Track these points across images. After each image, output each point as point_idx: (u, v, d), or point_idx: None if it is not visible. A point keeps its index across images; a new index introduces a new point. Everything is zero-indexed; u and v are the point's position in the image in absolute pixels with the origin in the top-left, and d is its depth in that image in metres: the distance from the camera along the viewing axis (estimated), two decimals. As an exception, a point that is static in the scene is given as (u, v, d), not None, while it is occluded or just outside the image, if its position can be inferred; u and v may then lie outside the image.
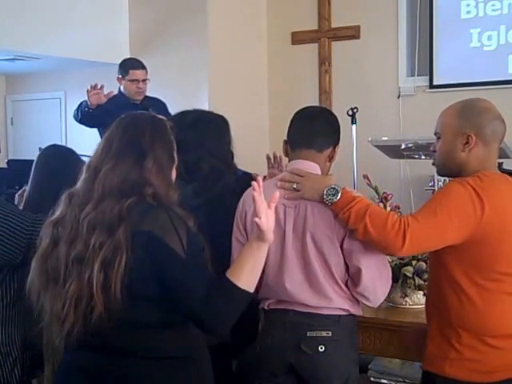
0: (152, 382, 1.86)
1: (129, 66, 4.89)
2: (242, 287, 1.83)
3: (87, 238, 1.80)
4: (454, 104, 2.24)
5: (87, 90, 4.73)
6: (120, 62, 5.01)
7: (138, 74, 4.85)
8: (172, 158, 1.94)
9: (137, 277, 1.78)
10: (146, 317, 1.84)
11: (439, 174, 2.32)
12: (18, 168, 2.70)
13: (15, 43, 5.67)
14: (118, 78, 4.91)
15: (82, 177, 1.90)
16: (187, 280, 1.80)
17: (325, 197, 2.16)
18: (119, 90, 4.95)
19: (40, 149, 2.93)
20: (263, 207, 1.80)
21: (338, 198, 2.14)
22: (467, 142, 2.15)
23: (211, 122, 2.70)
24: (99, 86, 4.75)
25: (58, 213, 1.89)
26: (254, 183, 1.82)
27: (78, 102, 4.97)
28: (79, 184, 1.90)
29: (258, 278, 1.90)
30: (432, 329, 2.22)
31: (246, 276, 1.84)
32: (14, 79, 7.50)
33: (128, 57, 5.08)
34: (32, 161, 2.89)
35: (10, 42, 5.62)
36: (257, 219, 1.80)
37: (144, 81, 4.88)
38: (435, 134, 2.25)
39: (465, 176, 2.15)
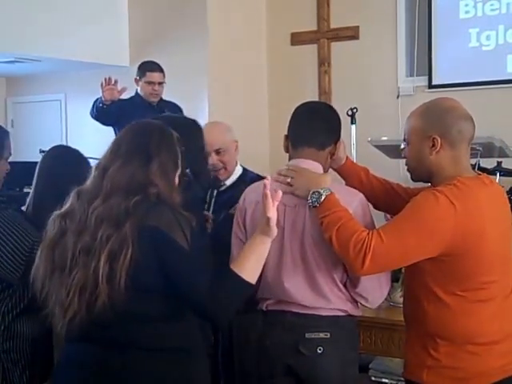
0: (152, 373, 1.92)
1: (146, 68, 5.01)
2: (246, 279, 1.93)
3: (95, 231, 1.88)
4: (418, 106, 2.17)
5: (101, 84, 4.75)
6: (139, 64, 5.15)
7: (154, 76, 4.97)
8: (176, 164, 2.04)
9: (142, 269, 1.85)
10: (148, 309, 1.91)
11: (413, 180, 2.21)
12: (19, 170, 2.70)
13: (16, 46, 5.68)
14: (135, 80, 5.02)
15: (91, 175, 2.00)
16: (191, 271, 1.89)
17: (308, 199, 2.15)
18: (136, 92, 5.05)
19: (41, 151, 2.93)
20: (272, 204, 1.93)
21: (320, 203, 2.13)
22: (433, 145, 2.07)
23: (178, 129, 2.57)
24: (113, 81, 4.78)
25: (66, 206, 1.99)
26: (265, 181, 1.95)
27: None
28: (88, 181, 2.00)
29: (259, 271, 2.00)
30: (410, 337, 2.21)
31: (249, 268, 1.95)
32: (14, 81, 7.50)
33: (146, 60, 5.19)
34: (32, 163, 2.89)
35: (11, 44, 5.62)
36: (269, 215, 1.92)
37: (160, 83, 5.00)
38: (404, 139, 2.19)
39: (439, 180, 2.09)
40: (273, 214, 1.94)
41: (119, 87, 4.82)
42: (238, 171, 3.18)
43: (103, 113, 4.79)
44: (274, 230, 1.96)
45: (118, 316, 1.87)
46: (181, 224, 1.90)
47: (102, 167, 1.98)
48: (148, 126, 2.08)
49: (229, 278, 1.93)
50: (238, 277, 1.92)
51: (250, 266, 1.95)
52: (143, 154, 1.96)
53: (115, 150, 2.00)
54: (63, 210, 1.99)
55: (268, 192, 1.93)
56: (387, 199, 2.44)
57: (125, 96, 4.98)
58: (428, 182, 2.17)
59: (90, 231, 1.89)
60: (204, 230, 2.58)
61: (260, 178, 2.99)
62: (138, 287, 1.86)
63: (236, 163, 3.19)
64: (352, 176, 2.47)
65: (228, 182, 3.12)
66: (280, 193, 1.96)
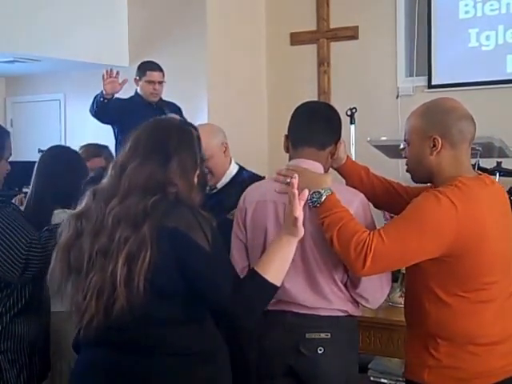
0: (174, 378, 1.86)
1: (146, 67, 5.03)
2: (270, 280, 1.88)
3: (112, 232, 1.82)
4: (419, 107, 2.17)
5: (102, 76, 4.73)
6: (138, 64, 5.16)
7: (154, 75, 4.99)
8: (195, 163, 1.97)
9: (161, 272, 1.80)
10: (167, 312, 1.86)
11: (414, 181, 2.21)
12: (18, 169, 2.69)
13: (15, 45, 5.68)
14: (134, 80, 5.03)
15: (109, 173, 1.93)
16: (214, 273, 1.84)
17: (309, 199, 2.13)
18: (136, 92, 5.06)
19: (39, 150, 2.92)
20: (299, 204, 1.89)
21: (320, 203, 2.12)
22: (434, 145, 2.07)
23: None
24: (115, 73, 4.76)
25: (81, 206, 1.92)
26: (292, 180, 1.92)
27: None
28: (105, 180, 1.94)
29: (284, 273, 1.95)
30: (411, 337, 2.21)
31: (274, 270, 1.90)
32: (13, 81, 7.50)
33: (146, 60, 5.20)
34: (31, 162, 2.89)
35: (10, 44, 5.63)
36: (296, 214, 1.88)
37: (160, 83, 5.02)
38: (404, 140, 2.18)
39: (440, 180, 2.09)
40: (300, 213, 1.89)
41: (120, 80, 4.79)
42: (232, 172, 3.08)
43: (103, 108, 4.75)
44: (302, 231, 1.92)
45: (136, 320, 1.81)
46: (201, 224, 1.84)
47: (120, 165, 1.91)
48: (167, 123, 2.02)
49: (253, 279, 1.88)
50: (263, 278, 1.87)
51: (274, 268, 1.90)
52: (162, 152, 1.89)
53: (134, 147, 1.92)
54: (78, 210, 1.92)
55: (296, 191, 1.89)
56: (388, 198, 2.43)
57: (124, 96, 4.98)
58: (429, 182, 2.17)
59: (107, 232, 1.83)
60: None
61: (256, 176, 2.98)
62: (158, 290, 1.81)
63: (230, 162, 3.09)
64: (352, 175, 2.46)
65: (219, 185, 3.04)
66: (306, 192, 1.93)
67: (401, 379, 3.76)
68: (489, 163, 4.18)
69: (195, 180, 1.97)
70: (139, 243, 1.78)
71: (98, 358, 1.90)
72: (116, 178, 1.90)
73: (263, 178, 2.86)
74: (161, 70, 5.04)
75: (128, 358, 1.85)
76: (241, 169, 3.12)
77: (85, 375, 1.93)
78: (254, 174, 3.09)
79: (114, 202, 1.85)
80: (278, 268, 1.91)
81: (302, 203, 1.91)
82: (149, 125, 1.98)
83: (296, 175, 1.96)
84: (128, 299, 1.77)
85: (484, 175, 2.16)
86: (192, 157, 1.96)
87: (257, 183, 2.44)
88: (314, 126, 2.32)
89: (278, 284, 1.91)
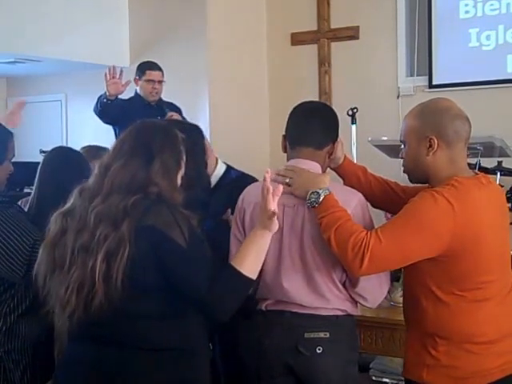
0: (150, 373, 1.91)
1: (146, 67, 5.05)
2: (245, 274, 1.92)
3: (93, 229, 1.89)
4: (414, 107, 2.17)
5: (105, 75, 4.73)
6: (137, 64, 5.17)
7: (154, 74, 5.01)
8: (179, 164, 2.02)
9: (139, 269, 1.86)
10: (145, 308, 1.91)
11: (411, 181, 2.22)
12: (19, 170, 2.70)
13: (16, 46, 5.69)
14: (134, 80, 5.04)
15: (94, 173, 2.00)
16: (190, 269, 1.88)
17: (307, 199, 2.14)
18: (135, 92, 5.07)
19: (41, 151, 2.93)
20: (273, 198, 1.94)
21: (318, 203, 2.12)
22: (430, 146, 2.07)
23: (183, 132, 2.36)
24: (118, 73, 4.75)
25: (68, 204, 1.99)
26: (265, 175, 1.96)
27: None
28: (90, 179, 2.00)
29: (260, 266, 1.99)
30: (409, 336, 2.21)
31: (249, 262, 1.95)
32: (15, 82, 7.51)
33: (146, 60, 5.20)
34: (33, 163, 2.89)
35: (11, 44, 5.63)
36: (270, 207, 1.93)
37: (160, 82, 5.03)
38: (400, 141, 2.18)
39: (436, 180, 2.09)
40: (274, 206, 1.94)
41: (123, 80, 4.80)
42: (218, 173, 2.95)
43: (107, 108, 4.75)
44: (276, 224, 1.96)
45: (115, 315, 1.87)
46: (178, 222, 1.89)
47: (105, 165, 1.97)
48: (152, 125, 2.08)
49: (228, 273, 1.92)
50: (238, 272, 1.92)
51: (249, 261, 1.95)
52: (146, 152, 1.95)
53: (118, 148, 1.99)
54: (65, 208, 1.99)
55: (269, 185, 1.94)
56: (385, 197, 2.44)
57: (125, 96, 4.98)
58: (425, 182, 2.17)
59: (89, 229, 1.89)
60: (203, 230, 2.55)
61: (245, 176, 2.94)
62: (136, 286, 1.86)
63: (216, 163, 2.95)
64: (350, 175, 2.47)
65: None
66: (281, 187, 1.97)
67: (402, 378, 3.77)
68: (489, 163, 4.19)
69: (178, 180, 2.02)
70: (118, 241, 1.84)
71: (81, 351, 1.96)
72: (100, 178, 1.96)
73: (253, 177, 2.85)
74: (160, 69, 5.05)
75: (108, 353, 1.92)
76: (228, 169, 3.01)
77: (68, 368, 2.00)
78: (242, 173, 3.02)
79: (97, 201, 1.92)
80: (252, 261, 1.96)
81: (277, 198, 1.96)
82: (134, 126, 2.04)
83: (269, 170, 2.00)
84: (106, 294, 1.84)
85: (481, 174, 2.16)
86: (175, 157, 2.01)
87: (255, 183, 2.44)
88: (311, 125, 2.32)
89: (254, 277, 1.96)
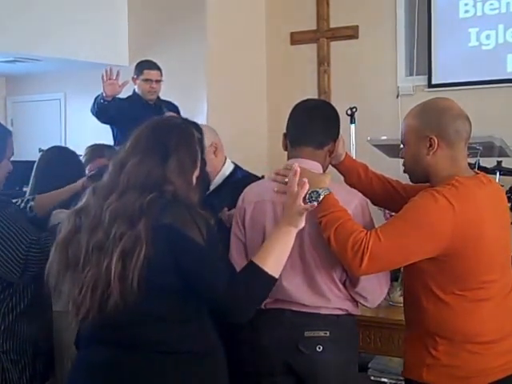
0: (166, 377, 1.86)
1: (144, 66, 5.06)
2: (269, 272, 1.88)
3: (108, 228, 1.83)
4: (414, 107, 2.16)
5: (102, 76, 4.73)
6: (136, 63, 5.17)
7: (152, 74, 5.02)
8: (195, 163, 1.98)
9: (155, 269, 1.80)
10: (161, 310, 1.86)
11: (411, 181, 2.22)
12: (18, 169, 2.70)
13: (15, 45, 5.69)
14: (132, 79, 5.04)
15: (109, 170, 1.95)
16: (208, 268, 1.84)
17: (307, 198, 2.12)
18: (134, 91, 5.07)
19: (40, 150, 2.93)
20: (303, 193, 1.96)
21: (318, 202, 2.11)
22: (430, 145, 2.07)
23: None
24: (114, 76, 4.74)
25: (82, 202, 1.94)
26: (296, 168, 2.00)
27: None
28: (105, 176, 1.95)
29: (283, 264, 1.95)
30: (409, 335, 2.21)
31: (272, 260, 1.90)
32: (14, 81, 7.51)
33: (144, 59, 5.21)
34: (32, 162, 2.89)
35: (11, 43, 5.64)
36: (302, 203, 1.95)
37: (158, 81, 5.04)
38: (400, 141, 2.18)
39: (437, 180, 2.08)
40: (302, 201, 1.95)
41: (120, 82, 4.80)
42: (225, 173, 2.95)
43: (104, 109, 4.74)
44: (303, 221, 1.96)
45: (131, 316, 1.82)
46: (196, 221, 1.83)
47: (119, 162, 1.92)
48: (168, 122, 2.03)
49: (250, 271, 1.87)
50: (261, 270, 1.87)
51: (273, 259, 1.90)
52: (161, 150, 1.90)
53: (134, 145, 1.93)
54: (78, 206, 1.94)
55: (302, 179, 1.96)
56: (386, 195, 2.44)
57: (123, 95, 4.98)
58: (426, 182, 2.16)
59: (103, 228, 1.84)
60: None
61: (251, 175, 2.95)
62: (153, 287, 1.81)
63: (224, 162, 2.97)
64: (351, 172, 2.47)
65: (212, 187, 2.92)
66: (307, 184, 1.98)
67: (401, 378, 3.77)
68: (489, 162, 4.18)
69: (194, 179, 1.97)
70: (134, 240, 1.79)
71: (94, 355, 1.90)
72: (115, 175, 1.91)
73: (258, 177, 2.84)
74: (158, 68, 5.05)
75: (123, 356, 1.86)
76: (236, 168, 3.01)
77: (82, 372, 1.94)
78: (248, 173, 3.01)
79: (112, 198, 1.86)
80: (276, 259, 1.92)
81: (303, 194, 1.98)
82: (150, 123, 1.99)
83: (297, 164, 2.01)
84: (122, 295, 1.78)
85: (481, 174, 2.15)
86: (191, 156, 1.97)
87: (255, 183, 2.44)
88: (312, 125, 2.31)
89: (277, 275, 1.92)
